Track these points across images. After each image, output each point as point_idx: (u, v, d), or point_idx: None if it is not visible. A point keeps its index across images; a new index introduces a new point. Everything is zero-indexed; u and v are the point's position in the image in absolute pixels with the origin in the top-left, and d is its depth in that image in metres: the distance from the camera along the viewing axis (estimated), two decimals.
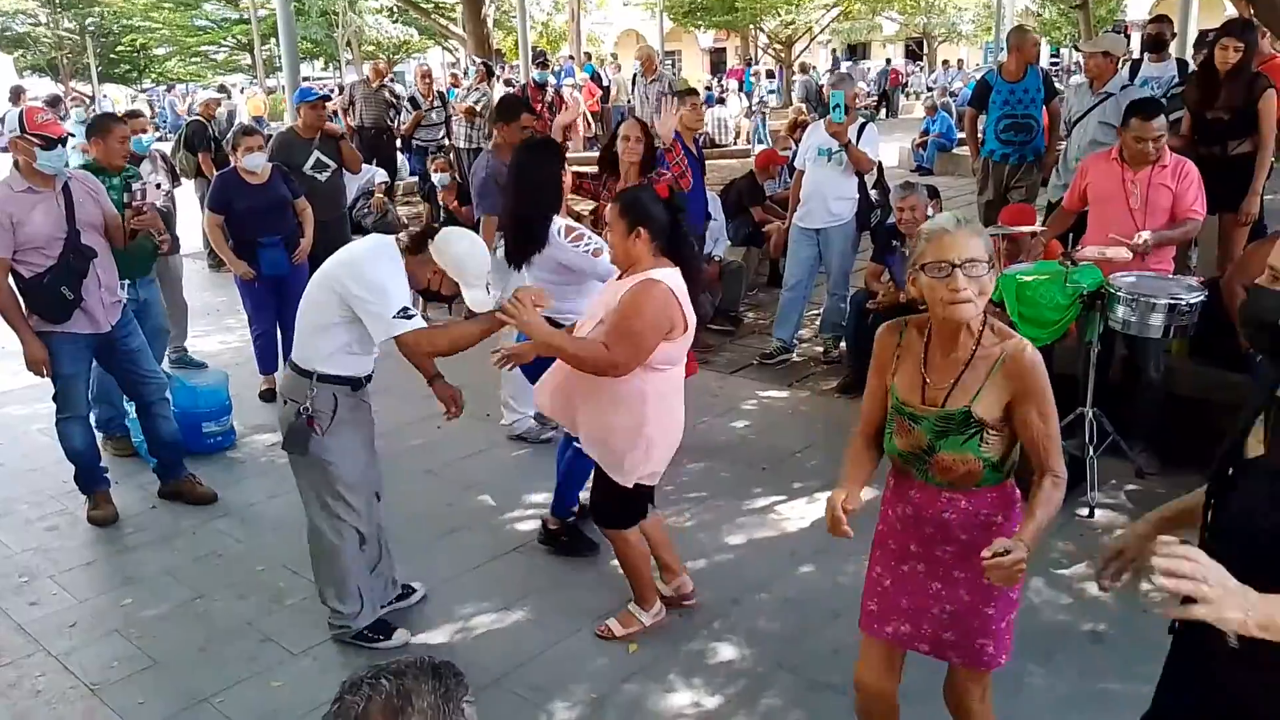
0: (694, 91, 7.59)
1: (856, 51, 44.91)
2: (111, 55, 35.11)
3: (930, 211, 6.06)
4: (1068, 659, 3.53)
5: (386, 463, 4.08)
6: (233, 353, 7.43)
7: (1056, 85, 8.28)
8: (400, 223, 9.77)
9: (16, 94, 14.40)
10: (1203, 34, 7.17)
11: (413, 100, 11.51)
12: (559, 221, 4.28)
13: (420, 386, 3.95)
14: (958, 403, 2.39)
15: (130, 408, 5.31)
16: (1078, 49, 7.65)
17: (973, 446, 2.40)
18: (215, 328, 8.20)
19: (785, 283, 6.81)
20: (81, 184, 4.60)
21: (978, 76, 9.61)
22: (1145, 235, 4.68)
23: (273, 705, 3.45)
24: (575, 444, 4.26)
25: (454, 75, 16.42)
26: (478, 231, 5.21)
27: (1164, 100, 6.04)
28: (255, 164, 6.03)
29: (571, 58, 23.74)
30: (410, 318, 3.33)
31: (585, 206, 5.71)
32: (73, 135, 4.87)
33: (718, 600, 3.97)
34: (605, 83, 19.16)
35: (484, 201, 5.28)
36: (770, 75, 30.98)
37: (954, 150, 15.24)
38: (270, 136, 7.09)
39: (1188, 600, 1.54)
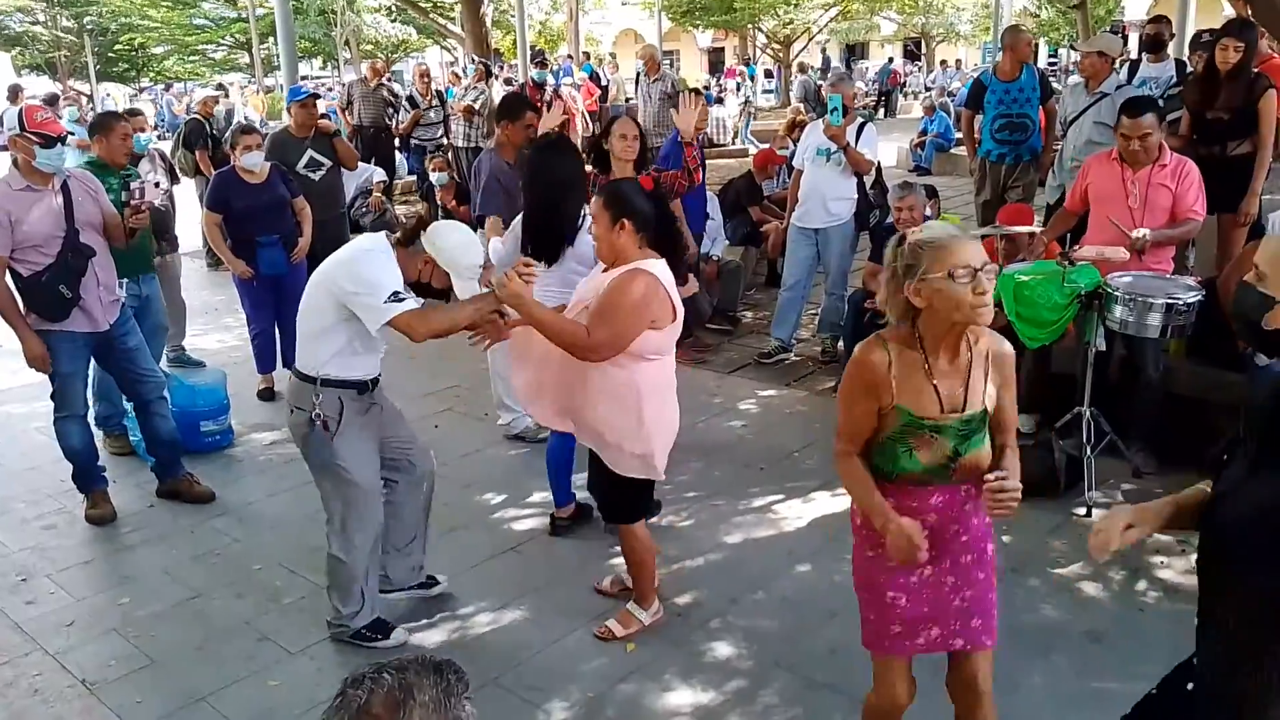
0: (697, 91, 7.59)
1: (855, 51, 44.94)
2: (109, 54, 35.12)
3: (928, 211, 6.08)
4: (1065, 658, 3.54)
5: None
6: (231, 352, 7.43)
7: (1054, 84, 8.29)
8: (398, 222, 9.77)
9: (15, 92, 14.40)
10: (1198, 34, 7.18)
11: (411, 99, 11.51)
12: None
13: (419, 386, 3.96)
14: (976, 405, 2.46)
15: (129, 406, 5.31)
16: (1074, 49, 7.67)
17: (985, 440, 2.50)
18: (213, 326, 8.20)
19: (783, 282, 6.82)
20: (80, 183, 4.60)
21: (975, 76, 9.63)
22: (1144, 231, 4.69)
23: (270, 704, 3.45)
24: (555, 433, 4.32)
25: (453, 74, 16.41)
26: (478, 231, 5.23)
27: (1162, 100, 6.05)
28: (253, 163, 6.04)
29: (570, 57, 23.74)
30: (402, 300, 3.32)
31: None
32: (71, 134, 4.87)
33: (715, 599, 3.97)
34: (604, 82, 19.15)
35: (488, 201, 5.26)
36: (769, 75, 31.00)
37: (952, 150, 15.25)
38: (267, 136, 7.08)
39: None
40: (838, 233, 6.49)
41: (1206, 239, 5.89)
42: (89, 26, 33.84)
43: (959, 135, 15.36)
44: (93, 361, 4.88)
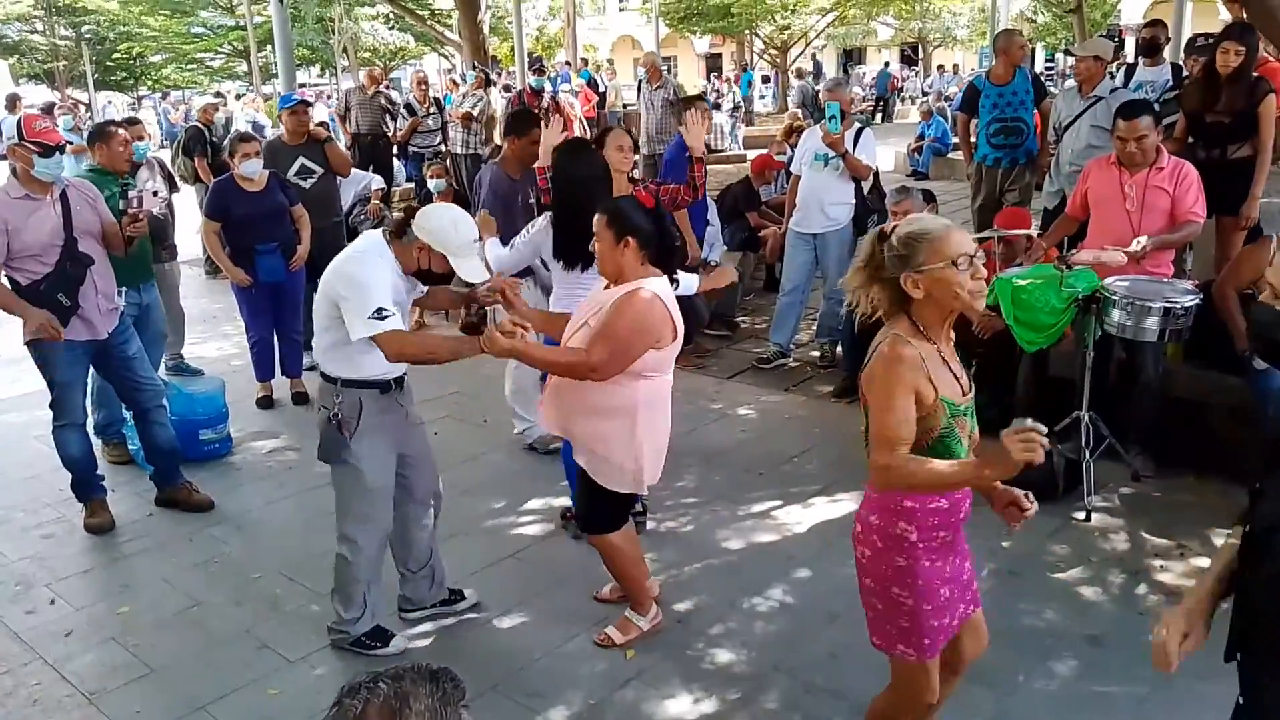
0: (700, 97, 7.60)
1: (852, 56, 45.02)
2: (107, 62, 35.14)
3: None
4: (1065, 661, 3.53)
5: None
6: (229, 360, 7.43)
7: (1048, 87, 8.30)
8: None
9: (13, 101, 14.43)
10: (1193, 39, 7.19)
11: (409, 107, 11.52)
12: None
13: (418, 392, 3.95)
14: (971, 383, 2.54)
15: (128, 415, 5.32)
16: (1070, 53, 7.68)
17: None
18: (212, 334, 8.20)
19: (782, 287, 6.82)
20: (79, 191, 4.61)
21: (969, 81, 9.66)
22: (1143, 240, 4.69)
23: (270, 712, 3.45)
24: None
25: (451, 81, 16.43)
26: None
27: (1158, 104, 6.06)
28: (252, 170, 6.05)
29: (568, 63, 23.78)
30: (385, 319, 3.31)
31: None
32: (69, 143, 4.88)
33: (715, 605, 3.97)
34: (601, 89, 19.19)
35: (508, 223, 5.24)
36: (766, 80, 31.06)
37: (949, 155, 15.28)
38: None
39: None
40: (836, 238, 6.49)
41: (1205, 242, 5.90)
42: (87, 35, 33.87)
43: (956, 140, 15.42)
44: (92, 370, 4.88)
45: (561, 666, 3.63)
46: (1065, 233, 5.41)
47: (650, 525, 4.60)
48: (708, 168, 5.23)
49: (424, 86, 11.71)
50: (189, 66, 34.84)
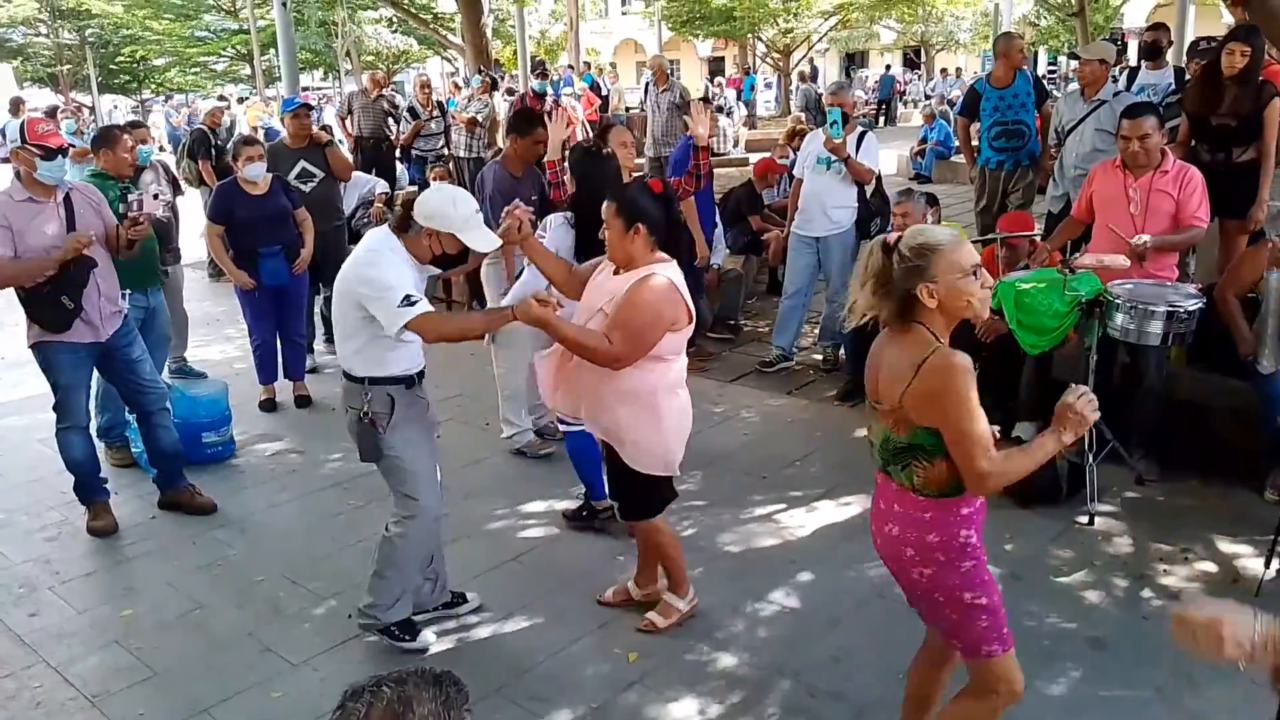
0: (706, 100, 7.63)
1: (854, 60, 45.04)
2: (111, 66, 35.18)
3: (930, 219, 6.08)
4: (1068, 666, 3.53)
5: None
6: (232, 362, 7.44)
7: (1050, 89, 8.30)
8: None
9: (16, 105, 14.45)
10: (1195, 42, 7.18)
11: (412, 110, 11.53)
12: None
13: None
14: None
15: (131, 418, 5.32)
16: (1075, 56, 7.65)
17: None
18: (215, 337, 8.21)
19: (784, 291, 6.82)
20: (83, 195, 4.62)
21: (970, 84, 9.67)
22: (1145, 237, 4.69)
23: (273, 715, 3.45)
24: (572, 431, 4.39)
25: (454, 84, 16.45)
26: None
27: (1161, 107, 6.05)
28: (255, 174, 6.06)
29: (570, 67, 23.80)
30: (415, 304, 3.35)
31: None
32: (71, 145, 4.89)
33: (718, 608, 3.97)
34: (604, 92, 19.20)
35: (492, 214, 5.27)
36: (768, 86, 31.05)
37: (952, 158, 15.28)
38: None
39: None
40: (838, 241, 6.49)
41: (1208, 245, 5.89)
42: (91, 39, 33.89)
43: (959, 143, 15.41)
44: (95, 373, 4.89)
45: (564, 670, 3.62)
46: (1070, 236, 5.40)
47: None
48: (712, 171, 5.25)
49: (427, 90, 11.72)
50: (192, 70, 34.87)
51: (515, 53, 19.93)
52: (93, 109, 30.50)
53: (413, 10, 22.16)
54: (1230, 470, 4.78)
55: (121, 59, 34.79)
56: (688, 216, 6.61)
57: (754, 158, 12.41)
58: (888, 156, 12.02)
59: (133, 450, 5.55)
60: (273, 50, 22.04)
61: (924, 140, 16.06)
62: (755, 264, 8.51)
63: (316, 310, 7.41)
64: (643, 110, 14.51)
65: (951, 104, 18.89)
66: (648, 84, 12.14)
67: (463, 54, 18.96)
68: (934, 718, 2.90)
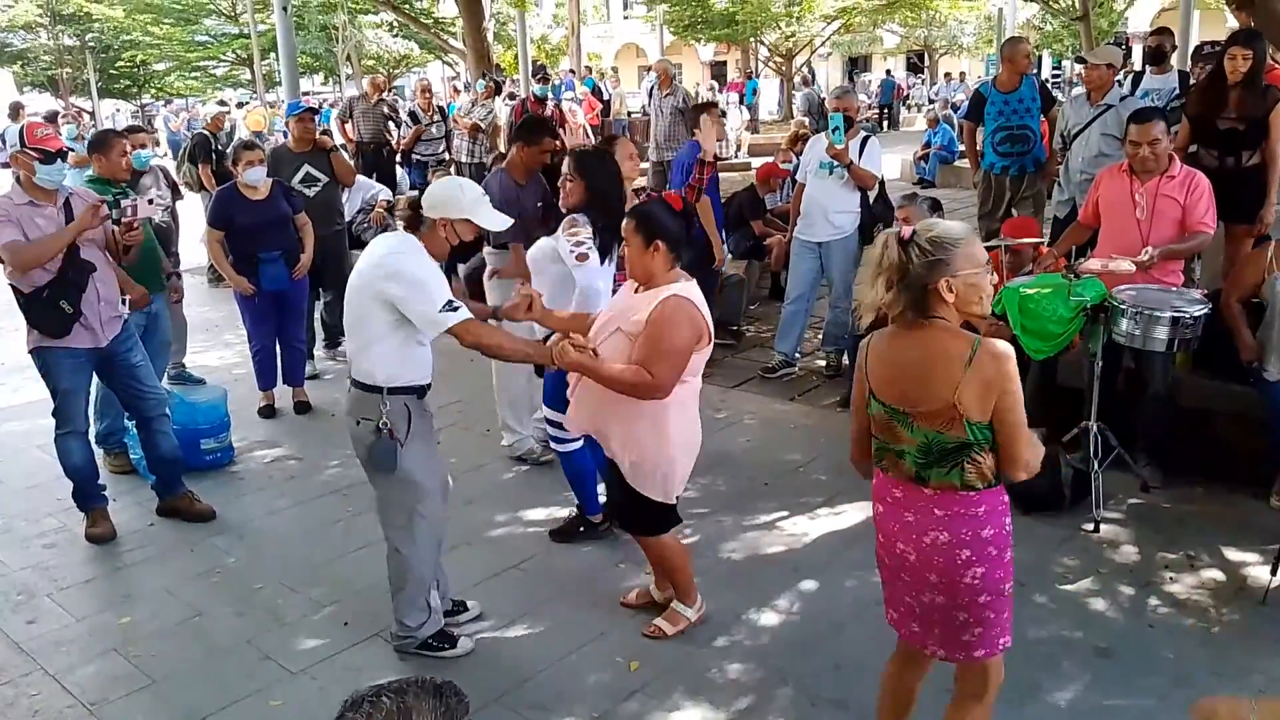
0: (713, 104, 7.64)
1: (858, 64, 45.07)
2: (111, 70, 35.22)
3: None
4: (1073, 673, 3.50)
5: None
6: (231, 368, 7.41)
7: (1055, 95, 8.28)
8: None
9: (16, 110, 14.46)
10: (1199, 46, 7.16)
11: (412, 115, 11.53)
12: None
13: None
14: None
15: (129, 424, 5.30)
16: (1081, 61, 7.64)
17: None
18: (214, 343, 8.19)
19: (787, 296, 6.80)
20: (83, 200, 4.61)
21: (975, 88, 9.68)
22: (1150, 251, 4.66)
23: None
24: (565, 451, 4.42)
25: (454, 88, 16.48)
26: (499, 260, 5.23)
27: (1166, 111, 6.03)
28: (255, 178, 6.05)
29: (572, 71, 23.83)
30: (457, 309, 3.34)
31: None
32: (71, 149, 4.88)
33: (720, 615, 3.94)
34: (605, 96, 19.22)
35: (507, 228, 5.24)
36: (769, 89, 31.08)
37: (956, 162, 15.28)
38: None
39: None
40: (841, 246, 6.47)
41: (1214, 250, 5.86)
42: (91, 43, 33.94)
43: (962, 148, 15.40)
44: (94, 380, 4.87)
45: (565, 678, 3.60)
46: (1076, 241, 5.38)
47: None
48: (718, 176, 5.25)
49: (428, 95, 11.72)
50: (193, 75, 34.91)
51: (516, 57, 19.93)
52: (93, 114, 30.53)
53: (413, 15, 22.16)
54: (1236, 477, 4.76)
55: (122, 64, 34.83)
56: (704, 218, 6.62)
57: (756, 162, 12.40)
58: (891, 161, 12.02)
59: (131, 457, 5.52)
60: (273, 55, 22.09)
61: (927, 145, 16.05)
62: (757, 269, 8.50)
63: (317, 316, 7.39)
64: (645, 115, 14.53)
65: (955, 108, 18.89)
66: (651, 88, 12.15)
67: (464, 58, 18.97)
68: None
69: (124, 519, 4.97)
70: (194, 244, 8.52)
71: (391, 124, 11.41)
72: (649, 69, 22.42)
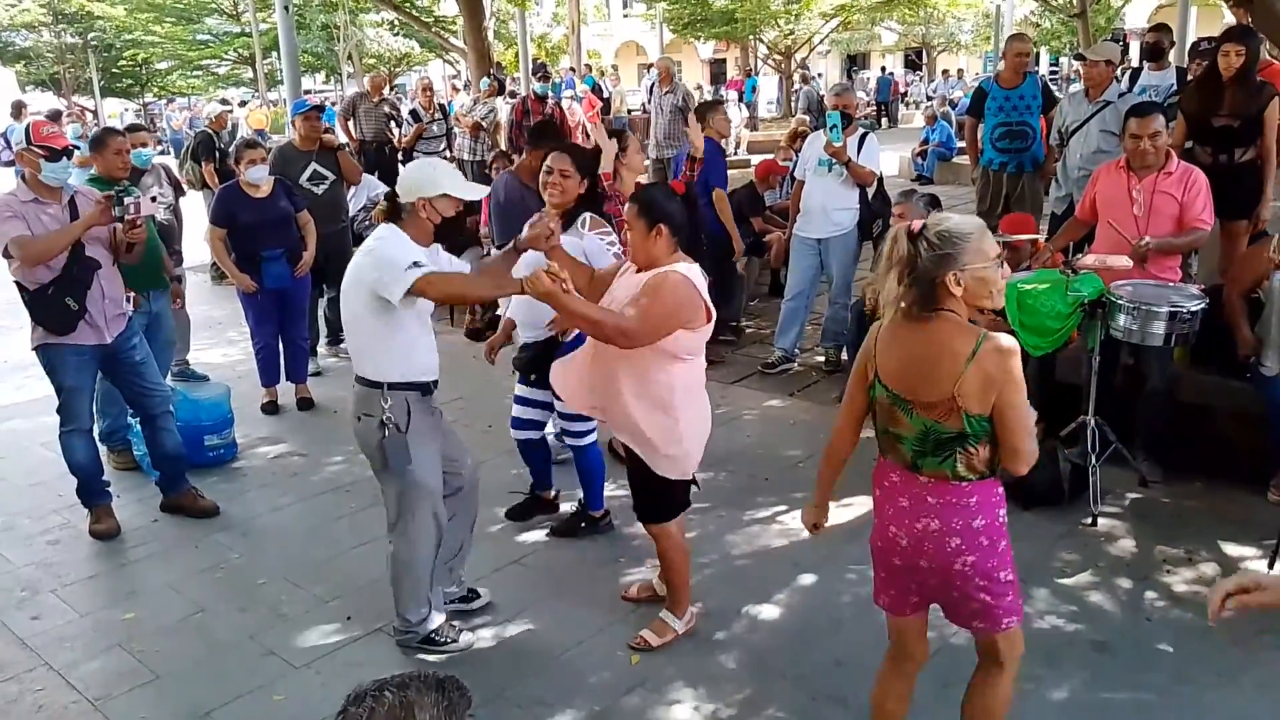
0: (720, 102, 7.70)
1: (856, 61, 45.03)
2: (113, 69, 35.21)
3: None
4: (1071, 667, 3.52)
5: None
6: (235, 365, 7.43)
7: (1056, 94, 8.28)
8: None
9: (18, 108, 14.47)
10: (1197, 42, 7.17)
11: (414, 113, 11.53)
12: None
13: None
14: None
15: (133, 421, 5.32)
16: (1080, 58, 7.66)
17: None
18: (217, 340, 8.21)
19: (787, 292, 6.82)
20: (87, 198, 4.63)
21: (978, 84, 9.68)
22: (1148, 239, 4.68)
23: (274, 719, 3.45)
24: (579, 445, 4.49)
25: (453, 86, 16.47)
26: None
27: (1164, 107, 6.04)
28: (257, 177, 6.07)
29: (572, 69, 23.81)
30: (420, 267, 3.35)
31: None
32: (76, 148, 4.90)
33: (719, 611, 3.96)
34: (606, 94, 19.21)
35: (504, 224, 5.24)
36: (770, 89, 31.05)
37: (954, 159, 15.27)
38: (272, 150, 7.12)
39: None
40: (840, 243, 6.49)
41: (1210, 246, 5.88)
42: (93, 42, 33.93)
43: (960, 144, 15.39)
44: (98, 376, 4.89)
45: (566, 673, 3.62)
46: (1074, 237, 5.39)
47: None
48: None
49: (429, 93, 11.72)
50: (194, 74, 34.89)
51: (517, 55, 19.92)
52: (95, 112, 30.52)
53: (414, 13, 22.13)
54: (1234, 472, 4.77)
55: (124, 63, 34.82)
56: (721, 212, 6.65)
57: (755, 159, 12.40)
58: (889, 158, 12.03)
59: (135, 453, 5.54)
60: (275, 53, 22.11)
61: (925, 141, 16.05)
62: (757, 266, 8.51)
63: (320, 313, 7.41)
64: (645, 113, 14.51)
65: (953, 105, 18.89)
66: (651, 86, 12.13)
67: (464, 57, 18.95)
68: None
69: (128, 515, 4.99)
70: (197, 242, 8.52)
71: (393, 123, 11.41)
72: (649, 67, 22.39)
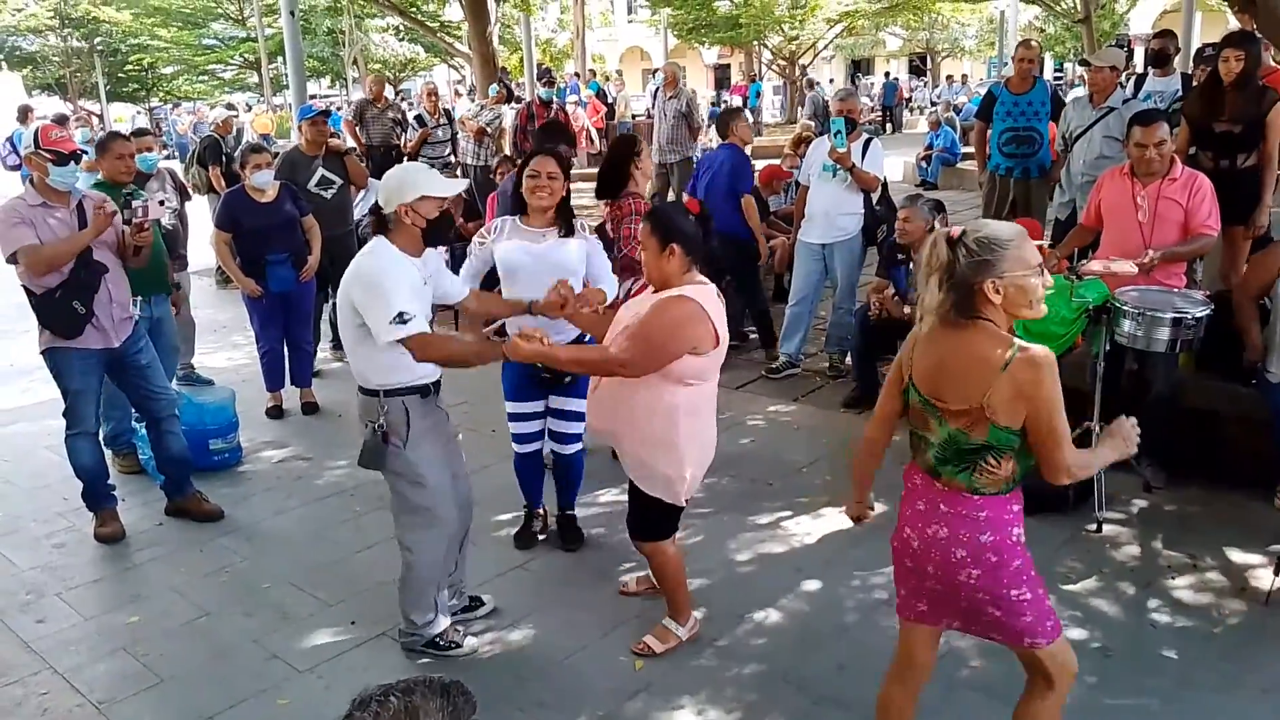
0: (739, 110, 7.73)
1: (860, 67, 45.07)
2: (119, 74, 35.32)
3: (938, 224, 6.07)
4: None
5: None
6: (239, 370, 7.45)
7: (1065, 101, 8.29)
8: None
9: (25, 113, 14.52)
10: (1201, 49, 7.18)
11: (419, 118, 11.55)
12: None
13: None
14: None
15: (138, 425, 5.33)
16: (1086, 63, 7.68)
17: None
18: (222, 345, 8.23)
19: (791, 297, 6.82)
20: (95, 203, 4.64)
21: (983, 92, 9.69)
22: (1151, 254, 4.67)
23: None
24: (562, 454, 4.54)
25: (455, 91, 16.51)
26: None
27: (1168, 114, 6.04)
28: (263, 181, 6.09)
29: (576, 74, 23.84)
30: (407, 322, 3.33)
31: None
32: (84, 152, 4.92)
33: (723, 616, 3.96)
34: (610, 99, 19.24)
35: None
36: (776, 91, 31.06)
37: (958, 164, 15.28)
38: (278, 154, 7.15)
39: None
40: (845, 248, 6.50)
41: (1213, 252, 5.87)
42: (99, 47, 34.04)
43: (964, 150, 15.40)
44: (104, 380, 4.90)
45: (570, 678, 3.62)
46: (1079, 243, 5.39)
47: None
48: None
49: (434, 98, 11.74)
50: (200, 78, 35.01)
51: (521, 60, 19.96)
52: (101, 117, 30.61)
53: (419, 18, 22.19)
54: (1239, 478, 4.76)
55: (130, 67, 34.93)
56: (750, 217, 6.67)
57: (760, 164, 12.40)
58: (894, 163, 12.02)
59: (140, 457, 5.56)
60: (280, 58, 22.13)
61: (930, 147, 16.05)
62: (761, 271, 8.49)
63: (325, 316, 7.43)
64: (649, 118, 14.53)
65: (957, 110, 18.89)
66: (655, 90, 12.14)
67: (469, 62, 19.00)
68: None
69: (133, 519, 5.00)
70: (202, 246, 8.54)
71: (400, 128, 11.43)
72: (654, 72, 22.43)
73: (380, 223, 3.51)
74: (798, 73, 29.71)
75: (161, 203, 4.97)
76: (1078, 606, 3.95)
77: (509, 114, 11.81)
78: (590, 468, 4.81)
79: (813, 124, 13.88)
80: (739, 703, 3.45)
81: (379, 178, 3.93)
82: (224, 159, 9.73)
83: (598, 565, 4.44)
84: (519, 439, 4.52)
